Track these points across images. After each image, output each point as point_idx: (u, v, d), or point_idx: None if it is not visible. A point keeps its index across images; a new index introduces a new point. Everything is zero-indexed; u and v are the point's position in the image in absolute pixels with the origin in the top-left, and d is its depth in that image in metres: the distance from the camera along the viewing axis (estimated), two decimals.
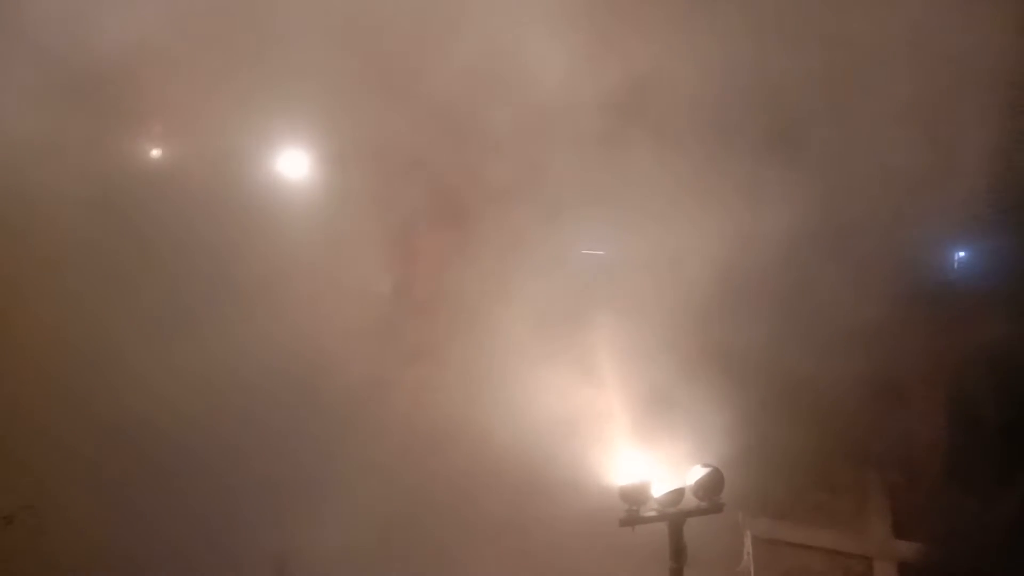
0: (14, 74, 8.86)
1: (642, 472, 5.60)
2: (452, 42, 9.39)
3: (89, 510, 7.78)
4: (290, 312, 9.30)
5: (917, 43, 8.73)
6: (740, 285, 10.04)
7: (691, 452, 7.40)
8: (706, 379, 8.27)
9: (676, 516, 5.10)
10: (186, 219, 9.32)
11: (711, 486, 5.31)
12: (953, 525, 7.86)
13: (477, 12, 9.22)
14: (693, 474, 5.24)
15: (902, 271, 10.24)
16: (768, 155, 9.24)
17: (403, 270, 10.06)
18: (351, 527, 8.39)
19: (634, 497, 5.06)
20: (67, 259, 9.09)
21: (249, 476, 8.78)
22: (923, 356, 8.98)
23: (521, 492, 8.56)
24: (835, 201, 9.13)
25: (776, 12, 9.22)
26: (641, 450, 6.65)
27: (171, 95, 9.52)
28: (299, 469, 9.16)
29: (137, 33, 8.75)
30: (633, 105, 9.28)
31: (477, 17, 9.21)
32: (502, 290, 9.90)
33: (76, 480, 7.88)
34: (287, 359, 9.17)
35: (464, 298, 9.74)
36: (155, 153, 10.18)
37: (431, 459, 9.64)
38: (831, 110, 9.19)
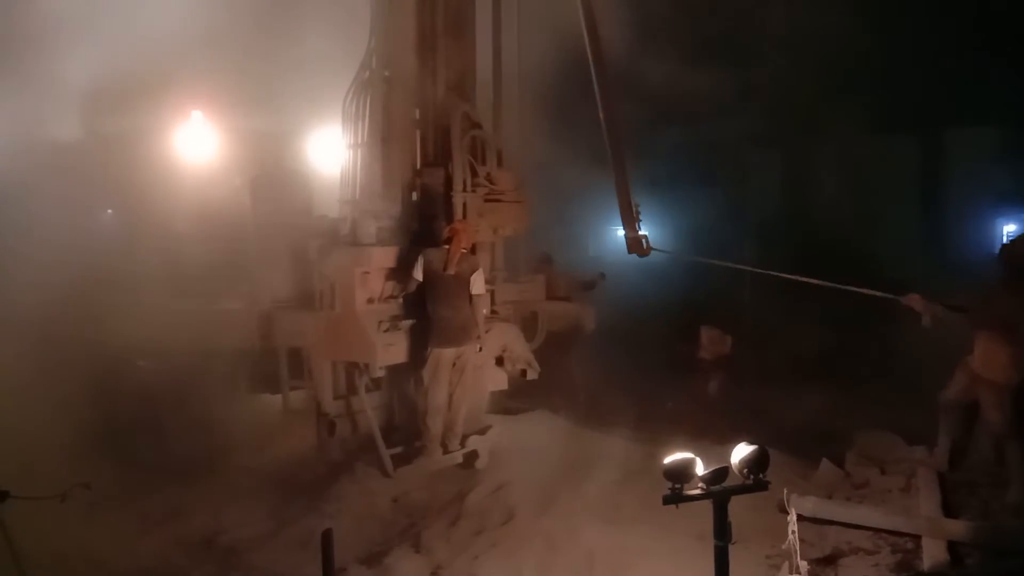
0: None
1: (686, 450, 5.55)
2: None
3: (141, 482, 7.99)
4: None
5: None
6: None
7: (736, 430, 7.35)
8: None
9: (721, 494, 5.04)
10: None
11: (756, 464, 5.23)
12: (1003, 503, 7.72)
13: None
14: (738, 452, 5.16)
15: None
16: None
17: None
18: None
19: (679, 475, 5.00)
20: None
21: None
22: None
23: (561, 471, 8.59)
24: None
25: None
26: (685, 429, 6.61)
27: None
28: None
29: None
30: None
31: None
32: None
33: (128, 456, 8.11)
34: None
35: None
36: None
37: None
38: None
